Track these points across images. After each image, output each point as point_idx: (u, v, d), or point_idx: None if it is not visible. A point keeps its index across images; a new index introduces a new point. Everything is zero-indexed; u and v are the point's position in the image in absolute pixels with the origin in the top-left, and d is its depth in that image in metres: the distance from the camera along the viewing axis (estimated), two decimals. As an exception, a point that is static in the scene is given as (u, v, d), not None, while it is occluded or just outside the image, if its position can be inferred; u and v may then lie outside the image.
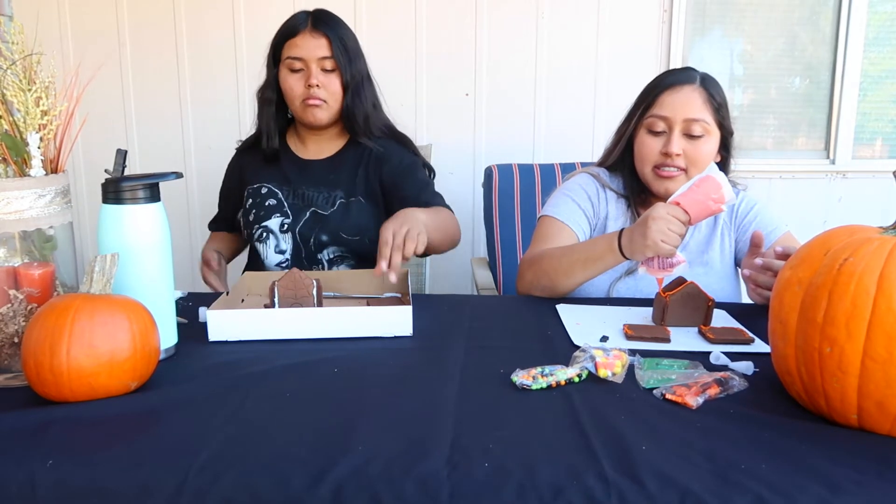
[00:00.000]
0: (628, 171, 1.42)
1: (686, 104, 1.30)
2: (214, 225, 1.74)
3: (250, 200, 1.57)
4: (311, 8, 1.53)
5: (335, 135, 1.60)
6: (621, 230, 1.21)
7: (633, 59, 2.48)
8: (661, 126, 1.31)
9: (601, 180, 1.44)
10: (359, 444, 0.68)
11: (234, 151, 1.70)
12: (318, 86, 1.47)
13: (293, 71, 1.49)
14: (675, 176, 1.32)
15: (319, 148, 1.60)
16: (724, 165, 1.39)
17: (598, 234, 1.42)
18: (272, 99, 1.55)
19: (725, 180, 1.13)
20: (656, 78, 1.38)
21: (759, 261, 1.15)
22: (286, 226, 1.53)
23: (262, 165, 1.59)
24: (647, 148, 1.33)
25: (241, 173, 1.64)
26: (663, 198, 1.36)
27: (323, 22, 1.49)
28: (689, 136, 1.30)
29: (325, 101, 1.50)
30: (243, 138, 1.71)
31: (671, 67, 2.48)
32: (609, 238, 1.22)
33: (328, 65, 1.48)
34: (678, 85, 1.31)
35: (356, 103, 1.52)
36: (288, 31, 1.50)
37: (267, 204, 1.55)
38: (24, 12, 2.27)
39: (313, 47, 1.47)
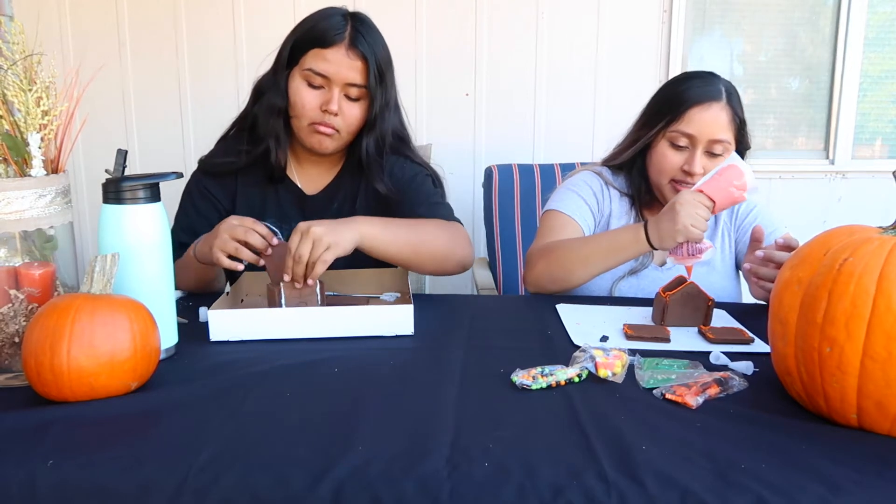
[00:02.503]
0: (637, 172, 1.40)
1: (713, 125, 1.28)
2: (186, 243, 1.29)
3: None
4: (316, 8, 1.30)
5: (338, 158, 1.40)
6: (645, 221, 1.21)
7: (633, 59, 2.48)
8: (684, 142, 1.30)
9: (604, 178, 1.44)
10: (359, 444, 0.68)
11: (200, 166, 1.39)
12: (335, 114, 1.25)
13: (311, 86, 1.25)
14: None
15: (319, 173, 1.40)
16: None
17: (601, 231, 1.41)
18: (282, 108, 1.29)
19: (748, 168, 1.15)
20: (681, 84, 1.34)
21: (760, 253, 1.15)
22: None
23: (254, 194, 1.37)
24: (669, 162, 1.32)
25: (229, 203, 1.37)
26: None
27: (364, 39, 1.24)
28: (710, 153, 1.30)
29: (337, 132, 1.28)
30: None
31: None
32: (634, 228, 1.22)
33: (354, 93, 1.26)
34: (707, 102, 1.29)
35: (374, 137, 1.31)
36: (320, 38, 1.24)
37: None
38: (24, 12, 2.28)
39: (346, 69, 1.23)
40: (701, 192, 1.16)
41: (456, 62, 2.47)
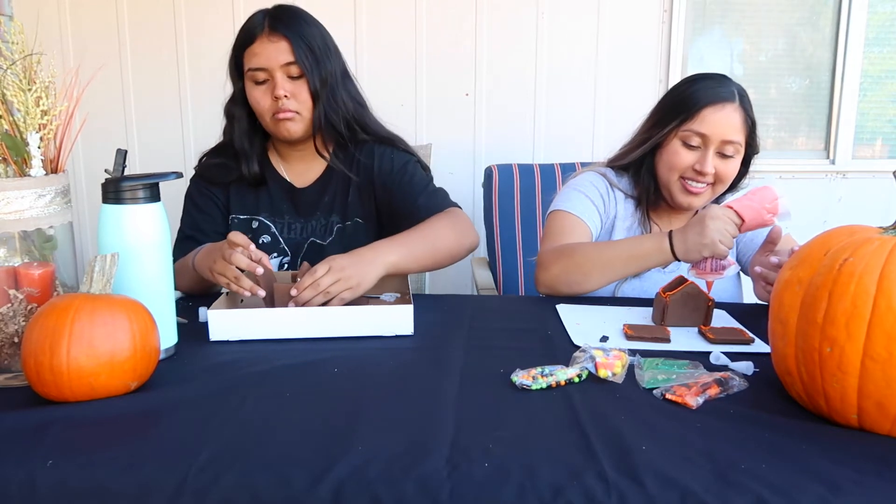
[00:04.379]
0: (646, 171, 1.39)
1: (726, 125, 1.28)
2: (189, 246, 1.35)
3: None
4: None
5: (320, 147, 1.42)
6: (670, 231, 1.20)
7: (633, 59, 2.48)
8: (696, 141, 1.30)
9: (609, 179, 1.43)
10: (359, 444, 0.68)
11: (196, 171, 1.46)
12: (286, 96, 1.30)
13: (257, 83, 1.32)
14: (702, 192, 1.32)
15: (307, 167, 1.44)
16: (738, 179, 1.38)
17: (605, 233, 1.41)
18: (242, 116, 1.38)
19: (785, 193, 1.14)
20: (694, 84, 1.33)
21: (774, 259, 1.14)
22: (286, 266, 1.42)
23: (247, 191, 1.43)
24: (680, 160, 1.31)
25: (225, 199, 1.43)
26: (683, 209, 1.36)
27: (281, 22, 1.30)
28: (722, 154, 1.30)
29: (297, 113, 1.32)
30: None
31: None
32: (657, 238, 1.21)
33: (294, 71, 1.30)
34: (720, 102, 1.29)
35: (332, 108, 1.35)
36: (245, 39, 1.32)
37: (261, 242, 1.41)
38: (24, 12, 2.28)
39: (273, 53, 1.29)
40: (731, 208, 1.15)
41: (456, 62, 2.47)
